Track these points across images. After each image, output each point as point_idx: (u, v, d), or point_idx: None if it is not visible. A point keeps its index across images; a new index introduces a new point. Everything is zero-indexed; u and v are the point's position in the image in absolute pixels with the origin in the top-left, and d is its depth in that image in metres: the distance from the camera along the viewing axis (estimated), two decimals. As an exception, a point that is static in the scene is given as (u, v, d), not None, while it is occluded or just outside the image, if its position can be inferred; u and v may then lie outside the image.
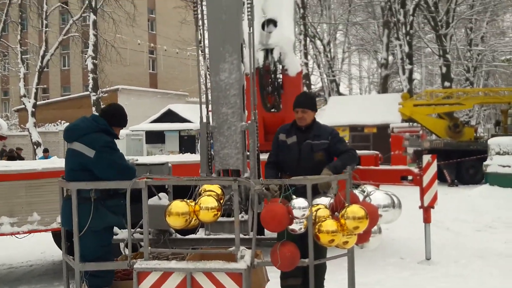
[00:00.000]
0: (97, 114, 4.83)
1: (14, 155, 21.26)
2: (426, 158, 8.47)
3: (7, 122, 37.32)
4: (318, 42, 42.00)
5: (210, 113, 5.22)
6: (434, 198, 8.34)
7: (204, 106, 5.20)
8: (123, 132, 30.35)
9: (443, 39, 31.88)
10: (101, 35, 32.55)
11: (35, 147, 30.45)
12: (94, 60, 31.11)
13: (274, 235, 4.70)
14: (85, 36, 33.87)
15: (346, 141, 25.03)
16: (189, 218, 3.91)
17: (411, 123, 25.12)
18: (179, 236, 4.90)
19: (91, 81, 31.14)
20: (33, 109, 31.29)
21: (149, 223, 4.21)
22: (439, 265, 8.01)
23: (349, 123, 30.30)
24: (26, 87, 32.22)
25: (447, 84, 30.85)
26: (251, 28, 4.88)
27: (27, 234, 6.79)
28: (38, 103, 33.37)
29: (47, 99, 49.26)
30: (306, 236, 4.04)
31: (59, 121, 39.80)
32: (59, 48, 34.94)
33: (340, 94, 43.01)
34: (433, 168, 8.39)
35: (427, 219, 8.35)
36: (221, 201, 4.12)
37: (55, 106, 44.30)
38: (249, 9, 4.87)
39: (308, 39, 38.43)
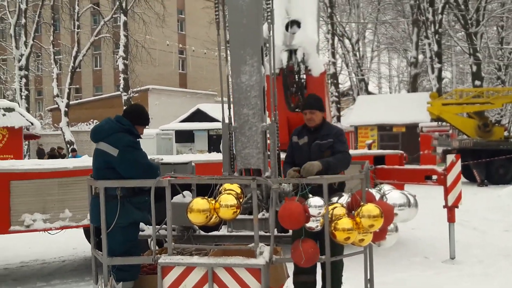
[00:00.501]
0: (120, 115, 5.02)
1: (55, 154, 21.86)
2: (450, 157, 8.48)
3: (41, 121, 38.17)
4: (346, 41, 41.88)
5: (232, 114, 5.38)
6: (458, 198, 8.34)
7: (226, 107, 5.37)
8: (153, 131, 30.85)
9: (474, 38, 31.46)
10: (132, 35, 33.09)
11: (68, 146, 31.14)
12: (125, 61, 31.66)
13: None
14: (116, 37, 34.47)
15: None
16: (210, 215, 4.09)
17: (440, 123, 24.89)
18: (202, 232, 5.08)
19: (122, 81, 31.70)
20: (66, 109, 32.01)
21: (173, 220, 4.40)
22: (464, 264, 8.01)
23: (377, 123, 30.20)
24: (59, 87, 32.97)
25: (477, 83, 30.44)
26: (271, 31, 5.02)
27: (59, 230, 7.05)
28: (70, 103, 34.08)
29: (80, 99, 50.21)
30: (322, 233, 4.17)
31: (92, 120, 40.55)
32: (91, 49, 35.64)
33: (369, 93, 42.81)
34: (457, 168, 8.39)
35: (451, 219, 8.36)
36: (241, 200, 4.27)
37: (87, 106, 45.15)
38: (269, 13, 5.01)
39: (336, 38, 38.33)
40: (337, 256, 4.50)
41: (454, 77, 48.86)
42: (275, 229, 4.44)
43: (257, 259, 4.04)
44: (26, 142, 29.09)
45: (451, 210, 8.36)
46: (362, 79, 41.98)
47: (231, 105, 5.35)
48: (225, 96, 5.41)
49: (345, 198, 4.49)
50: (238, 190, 4.35)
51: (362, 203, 4.18)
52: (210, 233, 5.11)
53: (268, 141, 5.08)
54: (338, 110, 35.16)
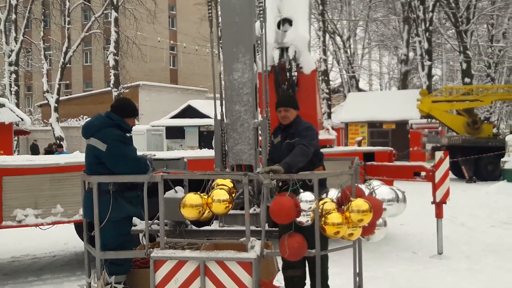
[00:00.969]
0: (109, 111, 5.06)
1: (53, 150, 21.84)
2: (439, 154, 8.60)
3: (30, 117, 38.03)
4: (337, 38, 42.01)
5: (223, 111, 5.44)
6: (446, 194, 8.46)
7: (218, 104, 5.44)
8: (143, 127, 30.84)
9: (464, 35, 31.67)
10: (123, 31, 33.01)
11: (58, 141, 31.04)
12: (116, 57, 31.58)
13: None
14: (107, 32, 34.38)
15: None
16: (202, 210, 4.17)
17: (429, 120, 25.08)
18: (194, 227, 5.15)
19: (112, 77, 31.62)
20: (56, 105, 31.91)
21: (165, 215, 4.47)
22: (451, 259, 8.13)
23: (368, 119, 30.41)
24: (48, 83, 32.85)
25: (467, 80, 30.66)
26: (263, 29, 5.10)
27: (51, 225, 7.09)
28: (60, 98, 33.96)
29: (69, 95, 50.04)
30: (307, 228, 4.25)
31: (81, 116, 40.45)
32: (81, 45, 35.52)
33: (359, 90, 43.00)
34: (446, 164, 8.51)
35: (439, 214, 8.47)
36: (233, 195, 4.34)
37: (77, 102, 45.02)
38: (261, 11, 5.08)
39: (327, 35, 38.44)
40: (326, 250, 4.58)
41: (444, 74, 49.20)
42: (266, 224, 4.52)
43: (248, 253, 4.12)
44: (16, 138, 29.01)
45: (439, 206, 8.48)
46: (353, 76, 42.16)
47: (223, 102, 5.42)
48: (217, 93, 5.48)
49: (334, 193, 4.58)
50: (231, 185, 4.42)
51: (351, 198, 4.26)
52: (201, 228, 5.17)
53: (260, 138, 5.15)
54: (329, 106, 35.28)
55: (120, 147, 4.72)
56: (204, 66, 52.00)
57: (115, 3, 31.52)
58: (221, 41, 5.27)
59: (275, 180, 4.58)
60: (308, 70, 8.62)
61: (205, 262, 4.09)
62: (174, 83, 52.99)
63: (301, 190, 4.20)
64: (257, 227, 4.97)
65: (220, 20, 5.32)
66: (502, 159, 17.66)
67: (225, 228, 5.20)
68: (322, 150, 5.90)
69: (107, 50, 33.99)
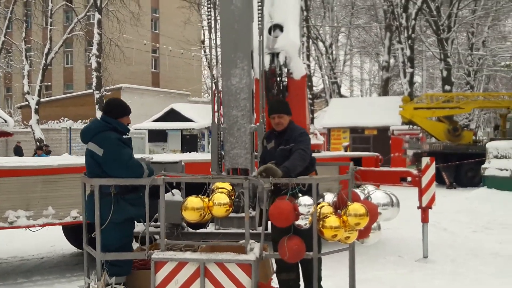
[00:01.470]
0: (103, 115, 5.08)
1: (43, 151, 21.73)
2: (425, 160, 8.78)
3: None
4: (320, 44, 42.33)
5: (218, 115, 5.52)
6: (432, 199, 8.63)
7: (212, 107, 5.51)
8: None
9: (445, 43, 32.17)
10: (105, 33, 32.87)
11: (38, 143, 30.76)
12: (98, 59, 31.44)
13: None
14: (89, 34, 34.19)
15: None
16: (203, 213, 4.23)
17: (411, 126, 25.40)
18: (190, 230, 5.22)
19: (94, 80, 31.44)
20: (37, 106, 31.65)
21: (161, 219, 4.52)
22: (436, 263, 8.30)
23: (350, 125, 30.67)
24: (29, 84, 32.56)
25: (447, 87, 31.14)
26: (261, 36, 5.19)
27: (42, 227, 7.07)
28: (41, 100, 33.67)
29: (50, 97, 49.55)
30: (303, 231, 4.34)
31: (62, 118, 40.08)
32: (63, 46, 35.23)
33: (341, 96, 43.34)
34: (432, 170, 8.69)
35: (425, 219, 8.65)
36: (233, 198, 4.43)
37: (58, 104, 44.57)
38: (259, 18, 5.18)
39: (310, 41, 38.72)
40: (322, 253, 4.68)
41: (424, 81, 49.80)
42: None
43: (247, 255, 4.20)
44: (-2, 140, 28.72)
45: (425, 211, 8.65)
46: (335, 82, 42.48)
47: (219, 107, 5.50)
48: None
49: (331, 198, 4.68)
50: (230, 188, 4.50)
51: (349, 203, 4.37)
52: (198, 231, 5.24)
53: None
54: (312, 112, 35.52)
55: (115, 151, 4.75)
56: (187, 70, 51.95)
57: (98, 5, 31.40)
58: (219, 47, 5.34)
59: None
60: (298, 75, 8.71)
61: (205, 264, 4.16)
62: (156, 86, 52.75)
63: (300, 194, 4.30)
64: (252, 230, 5.06)
65: (218, 26, 5.39)
66: (482, 166, 17.96)
67: (221, 230, 5.28)
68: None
69: (89, 52, 33.85)
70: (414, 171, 9.07)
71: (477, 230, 11.40)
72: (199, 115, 32.61)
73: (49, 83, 50.60)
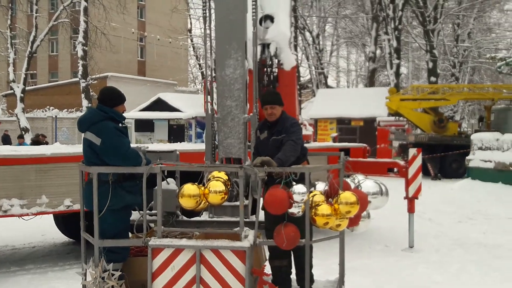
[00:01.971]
0: (100, 104, 5.13)
1: (39, 140, 21.57)
2: (412, 151, 8.95)
3: (-5, 107, 37.35)
4: (307, 34, 42.40)
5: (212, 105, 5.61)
6: (418, 190, 8.82)
7: (205, 97, 5.61)
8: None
9: (431, 35, 32.42)
10: (91, 21, 32.64)
11: (23, 132, 30.57)
12: (84, 47, 31.22)
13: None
14: (75, 22, 33.93)
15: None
16: (199, 200, 4.34)
17: (397, 117, 25.63)
18: (185, 218, 5.32)
19: (80, 68, 31.20)
20: (22, 95, 31.41)
21: (157, 205, 4.61)
22: (422, 252, 8.52)
23: (337, 116, 30.86)
24: (14, 72, 32.29)
25: (433, 79, 31.43)
26: (255, 27, 5.29)
27: (35, 215, 7.13)
28: (26, 88, 33.41)
29: (34, 85, 49.12)
30: (295, 219, 4.47)
31: (48, 107, 39.80)
32: (48, 34, 34.92)
33: (328, 86, 43.54)
34: (418, 161, 8.87)
35: (411, 209, 8.84)
36: (228, 186, 4.53)
37: (43, 92, 44.19)
38: (253, 9, 5.26)
39: (298, 31, 38.77)
40: (314, 240, 4.81)
41: (410, 72, 50.17)
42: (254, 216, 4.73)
43: (242, 242, 4.31)
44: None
45: (411, 201, 8.84)
46: (322, 73, 42.63)
47: (205, 95, 5.57)
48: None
49: (322, 187, 4.81)
50: (225, 177, 4.60)
51: (340, 191, 4.50)
52: (192, 219, 5.35)
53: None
54: (299, 102, 35.63)
55: (113, 140, 4.81)
56: (173, 58, 51.74)
57: (85, -8, 31.15)
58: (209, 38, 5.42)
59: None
60: (288, 66, 8.84)
61: (200, 250, 4.27)
62: (142, 75, 52.46)
63: (294, 183, 4.42)
64: (244, 218, 5.17)
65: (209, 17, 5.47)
66: (467, 157, 18.20)
67: (215, 219, 5.39)
68: None
69: (74, 40, 33.59)
70: (401, 162, 9.27)
71: (461, 221, 11.64)
72: (186, 105, 32.52)
73: (34, 71, 50.17)
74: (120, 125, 5.07)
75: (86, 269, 4.73)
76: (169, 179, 5.15)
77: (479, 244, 9.15)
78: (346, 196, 4.45)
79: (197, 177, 4.80)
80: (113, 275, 4.53)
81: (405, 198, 8.87)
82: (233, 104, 5.30)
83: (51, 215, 8.67)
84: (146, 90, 41.69)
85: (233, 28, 5.21)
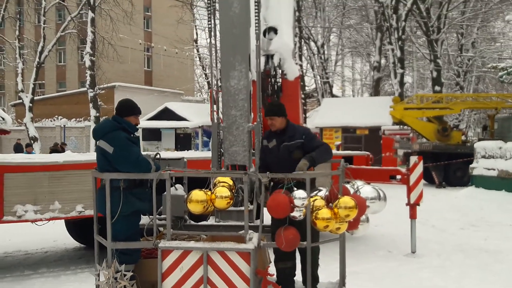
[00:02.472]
0: (115, 115, 5.42)
1: (58, 149, 21.90)
2: (413, 159, 9.16)
3: (4, 116, 37.67)
4: (312, 44, 42.69)
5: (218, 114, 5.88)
6: (420, 196, 9.03)
7: (211, 107, 5.87)
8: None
9: (435, 44, 32.63)
10: (98, 32, 33.07)
11: (32, 141, 30.95)
12: (92, 57, 31.64)
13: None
14: (82, 33, 34.37)
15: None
16: (207, 205, 4.60)
17: (401, 126, 25.79)
18: (192, 222, 5.58)
19: (88, 78, 31.60)
20: (31, 104, 31.83)
21: (166, 210, 4.87)
22: (423, 257, 8.70)
23: (342, 125, 31.03)
24: (23, 82, 32.73)
25: (437, 88, 31.59)
26: (258, 41, 5.55)
27: (48, 221, 7.40)
28: (35, 98, 33.83)
29: (42, 95, 49.62)
30: (300, 223, 4.72)
31: (56, 116, 40.22)
32: (56, 44, 35.40)
33: (333, 95, 43.74)
34: (419, 168, 9.08)
35: (413, 215, 9.04)
36: (233, 191, 4.79)
37: (51, 102, 44.63)
38: (256, 23, 5.53)
39: (302, 41, 39.06)
40: (316, 242, 5.06)
41: (414, 81, 50.30)
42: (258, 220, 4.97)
43: (247, 244, 4.56)
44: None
45: (413, 208, 9.04)
46: (327, 82, 42.87)
47: (211, 105, 5.82)
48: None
49: (323, 192, 5.06)
50: (231, 183, 4.86)
51: (339, 196, 4.75)
52: (199, 223, 5.60)
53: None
54: (304, 111, 35.89)
55: (124, 149, 5.10)
56: (180, 68, 52.13)
57: (91, 3, 31.59)
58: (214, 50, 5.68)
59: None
60: (292, 76, 9.05)
61: (207, 252, 4.51)
62: (149, 85, 52.89)
63: (295, 188, 4.67)
64: (249, 222, 5.42)
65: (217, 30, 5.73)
66: (470, 166, 18.39)
67: (221, 223, 5.64)
68: None
69: (82, 50, 34.00)
70: (403, 170, 9.46)
71: (464, 228, 11.80)
72: (193, 114, 32.87)
73: (43, 81, 50.67)
74: (132, 135, 5.35)
75: (99, 270, 4.99)
76: (177, 185, 5.41)
77: (480, 250, 9.33)
78: (345, 200, 4.69)
79: (203, 183, 5.06)
80: (125, 275, 4.79)
81: (407, 204, 9.07)
82: (237, 114, 5.55)
83: (63, 221, 8.96)
84: (153, 100, 42.04)
85: (237, 41, 5.48)
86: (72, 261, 8.51)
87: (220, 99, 5.87)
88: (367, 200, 5.09)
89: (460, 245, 9.74)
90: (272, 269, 5.34)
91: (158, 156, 5.42)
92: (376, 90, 38.70)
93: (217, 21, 5.74)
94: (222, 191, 4.62)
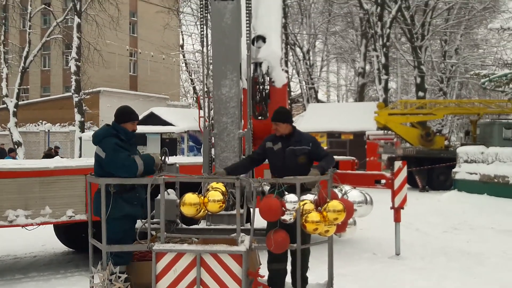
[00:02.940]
0: (113, 121, 5.58)
1: (52, 154, 21.81)
2: (398, 164, 9.39)
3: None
4: (298, 50, 43.00)
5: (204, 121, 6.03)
6: (404, 200, 9.25)
7: (204, 115, 6.03)
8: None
9: (418, 51, 33.10)
10: (84, 37, 33.06)
11: (16, 146, 30.85)
12: (77, 62, 31.62)
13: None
14: (68, 38, 34.34)
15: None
16: (199, 208, 4.75)
17: (385, 131, 26.11)
18: (184, 226, 5.72)
19: (73, 83, 31.61)
20: (15, 109, 31.74)
21: (159, 215, 5.02)
22: (407, 260, 8.91)
23: (327, 130, 31.31)
24: (7, 87, 32.61)
25: (421, 94, 32.04)
26: (249, 51, 5.73)
27: (39, 225, 7.49)
28: (19, 103, 33.71)
29: (26, 99, 49.33)
30: (293, 225, 4.89)
31: (40, 121, 40.09)
32: (41, 49, 35.33)
33: (318, 101, 44.08)
34: (404, 173, 9.30)
35: (397, 219, 9.26)
36: (226, 196, 4.94)
37: (36, 107, 44.40)
38: (247, 35, 5.71)
39: (288, 47, 39.34)
40: (306, 244, 5.23)
41: (399, 87, 50.85)
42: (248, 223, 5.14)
43: (239, 246, 4.71)
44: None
45: (397, 211, 9.26)
46: (312, 87, 43.18)
47: (204, 112, 5.98)
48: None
49: (312, 196, 5.23)
50: (223, 188, 5.01)
51: (328, 200, 4.93)
52: (191, 227, 5.75)
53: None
54: (290, 117, 36.01)
55: (111, 154, 5.26)
56: (165, 74, 52.17)
57: (78, 9, 31.60)
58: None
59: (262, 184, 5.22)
60: (279, 84, 9.22)
61: (201, 254, 4.65)
62: (134, 90, 52.82)
63: (286, 193, 4.85)
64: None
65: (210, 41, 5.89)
66: (453, 170, 18.69)
67: (212, 226, 5.79)
68: None
69: (67, 55, 33.97)
70: (388, 174, 9.68)
71: (447, 231, 12.04)
72: (178, 119, 32.96)
73: (27, 86, 50.39)
74: (128, 141, 5.48)
75: (94, 273, 5.11)
76: (169, 190, 5.56)
77: (462, 252, 9.55)
78: (334, 204, 4.87)
79: (195, 188, 5.20)
80: (119, 277, 4.92)
81: (391, 208, 9.28)
82: (228, 121, 5.72)
83: (51, 226, 9.02)
84: (138, 105, 41.90)
85: (228, 51, 5.66)
86: (62, 265, 8.58)
87: (207, 105, 6.02)
88: (355, 204, 5.28)
89: (443, 247, 9.96)
90: (262, 271, 5.50)
91: (165, 151, 5.57)
92: (360, 95, 39.11)
93: (209, 31, 5.92)
94: (214, 195, 4.78)
